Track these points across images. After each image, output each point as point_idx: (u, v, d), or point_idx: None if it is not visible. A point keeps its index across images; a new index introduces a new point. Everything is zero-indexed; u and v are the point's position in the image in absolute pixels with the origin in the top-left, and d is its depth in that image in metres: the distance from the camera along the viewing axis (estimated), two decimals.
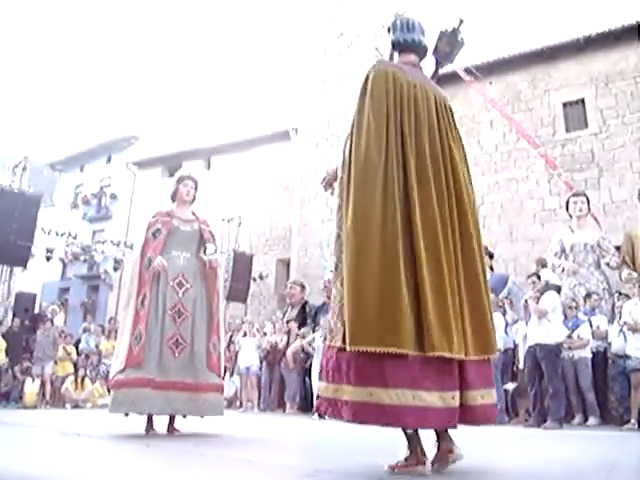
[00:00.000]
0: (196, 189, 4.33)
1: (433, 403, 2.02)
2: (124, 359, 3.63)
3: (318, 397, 2.22)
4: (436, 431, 2.21)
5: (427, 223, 2.17)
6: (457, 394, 2.09)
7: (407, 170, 2.22)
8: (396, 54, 2.58)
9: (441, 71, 2.71)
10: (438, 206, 2.22)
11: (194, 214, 4.28)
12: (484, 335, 2.21)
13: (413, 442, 2.14)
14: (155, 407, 3.60)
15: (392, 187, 2.17)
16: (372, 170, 2.19)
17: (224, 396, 8.71)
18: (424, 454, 2.12)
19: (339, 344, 2.12)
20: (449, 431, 2.21)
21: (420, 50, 2.55)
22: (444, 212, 2.23)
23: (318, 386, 2.26)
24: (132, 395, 3.55)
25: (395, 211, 2.14)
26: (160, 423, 3.78)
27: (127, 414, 3.69)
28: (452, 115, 2.53)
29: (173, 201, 4.26)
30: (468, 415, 2.15)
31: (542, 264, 6.75)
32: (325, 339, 2.42)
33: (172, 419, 3.79)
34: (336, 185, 2.43)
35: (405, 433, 2.14)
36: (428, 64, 2.63)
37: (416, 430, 2.14)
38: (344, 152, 2.35)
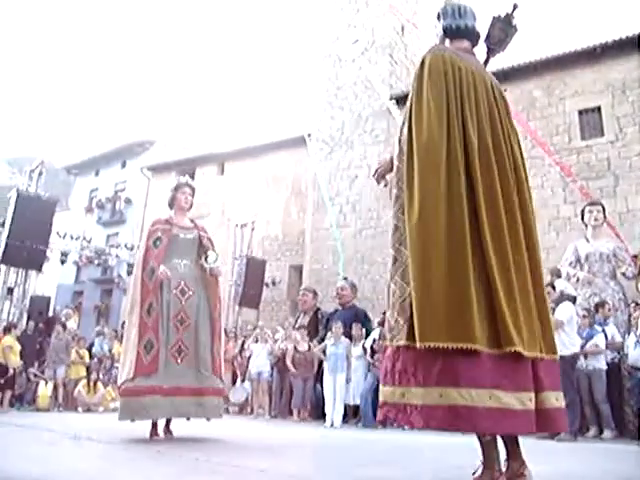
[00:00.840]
0: (193, 195, 4.38)
1: (511, 405, 1.88)
2: (133, 367, 3.69)
3: (384, 404, 2.04)
4: (506, 447, 2.04)
5: (493, 215, 2.07)
6: (533, 396, 1.96)
7: (470, 156, 2.13)
8: (447, 41, 2.48)
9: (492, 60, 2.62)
10: (503, 195, 2.12)
11: (192, 221, 4.37)
12: (550, 335, 2.11)
13: (489, 454, 1.99)
14: (164, 413, 3.72)
15: (456, 174, 2.07)
16: (436, 156, 2.09)
17: (236, 402, 8.75)
18: (500, 471, 1.96)
19: (402, 342, 1.99)
20: (521, 448, 2.04)
21: (473, 36, 2.47)
22: (509, 202, 2.13)
23: (382, 391, 2.08)
24: (143, 403, 3.62)
25: (462, 200, 2.04)
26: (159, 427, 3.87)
27: (134, 419, 3.72)
28: (507, 105, 2.45)
29: (171, 208, 4.31)
30: (544, 419, 1.98)
31: (557, 274, 6.68)
32: (381, 339, 2.37)
33: (169, 422, 3.93)
34: (389, 177, 2.35)
35: (480, 441, 1.99)
36: (479, 52, 2.54)
37: (494, 438, 1.99)
38: (400, 140, 2.26)
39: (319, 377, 7.41)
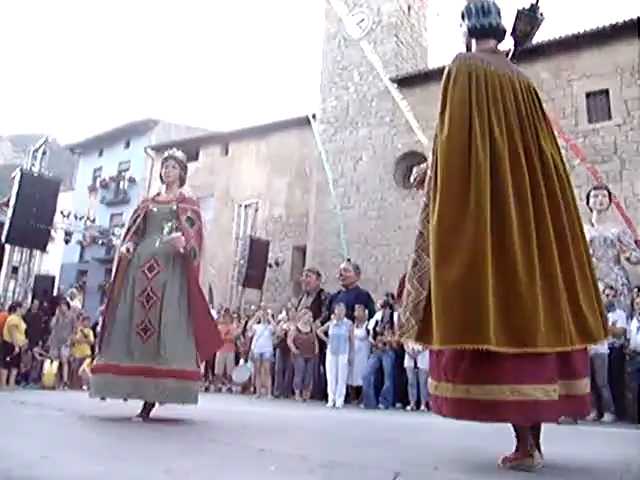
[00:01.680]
0: (181, 168, 4.13)
1: (535, 396, 2.00)
2: (98, 345, 3.78)
3: (429, 394, 2.39)
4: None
5: (521, 217, 2.12)
6: (557, 387, 2.07)
7: (497, 162, 2.18)
8: (474, 41, 2.49)
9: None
10: (532, 199, 2.17)
11: (180, 194, 4.06)
12: (587, 320, 2.15)
13: (522, 435, 2.15)
14: (125, 392, 3.59)
15: (480, 183, 2.12)
16: (456, 165, 2.17)
17: (239, 381, 8.79)
18: (532, 447, 2.13)
19: (411, 341, 2.23)
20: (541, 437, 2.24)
21: (499, 34, 2.47)
22: (540, 206, 2.18)
23: (429, 383, 2.33)
24: (103, 380, 3.62)
25: (485, 203, 2.09)
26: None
27: (103, 398, 3.70)
28: (539, 99, 2.46)
29: (163, 183, 4.14)
30: (574, 405, 2.16)
31: None
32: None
33: (148, 407, 3.69)
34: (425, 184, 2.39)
35: (514, 426, 2.16)
36: (506, 44, 2.53)
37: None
38: (434, 151, 2.30)
39: (322, 358, 7.46)
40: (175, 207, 3.92)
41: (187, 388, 3.70)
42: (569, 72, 13.07)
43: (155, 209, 3.96)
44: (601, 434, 4.24)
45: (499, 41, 2.48)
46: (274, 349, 8.41)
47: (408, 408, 6.37)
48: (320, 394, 7.37)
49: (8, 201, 11.43)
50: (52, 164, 13.13)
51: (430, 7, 16.69)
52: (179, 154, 4.17)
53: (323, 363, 7.34)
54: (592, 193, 6.80)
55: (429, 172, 2.32)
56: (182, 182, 4.15)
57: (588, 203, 6.83)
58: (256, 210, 16.40)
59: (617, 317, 5.95)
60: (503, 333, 2.00)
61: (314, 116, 16.36)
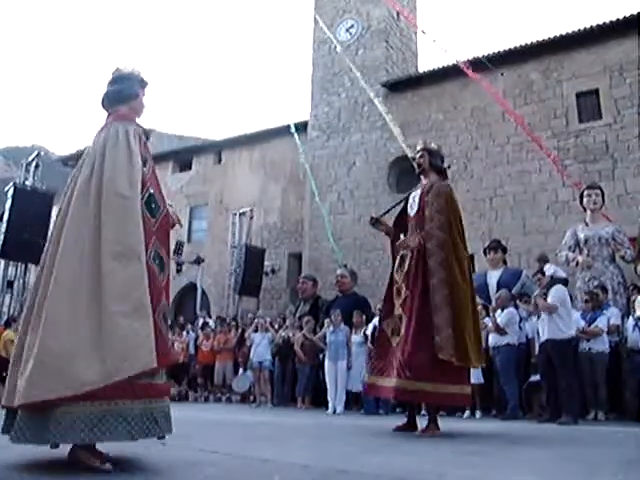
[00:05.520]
0: None
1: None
2: None
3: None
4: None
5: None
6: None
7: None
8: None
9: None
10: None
11: None
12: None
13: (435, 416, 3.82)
14: None
15: (466, 265, 4.05)
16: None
17: (239, 391, 8.70)
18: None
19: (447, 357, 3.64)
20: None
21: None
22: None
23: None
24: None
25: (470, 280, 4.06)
26: None
27: None
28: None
29: None
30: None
31: (544, 260, 6.68)
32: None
33: None
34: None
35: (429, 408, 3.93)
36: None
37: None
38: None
39: (320, 365, 7.45)
40: None
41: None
42: (559, 73, 13.13)
43: None
44: (602, 433, 4.25)
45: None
46: (273, 357, 8.39)
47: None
48: (318, 401, 7.36)
49: (2, 215, 11.39)
50: (45, 177, 13.10)
51: (416, 20, 16.81)
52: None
53: (322, 369, 7.33)
54: (585, 192, 6.86)
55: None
56: None
57: (582, 202, 6.88)
58: (251, 218, 16.40)
59: (611, 315, 5.98)
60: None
61: (305, 123, 16.37)
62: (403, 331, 3.78)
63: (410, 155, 8.49)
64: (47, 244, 2.57)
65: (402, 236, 4.25)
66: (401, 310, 3.88)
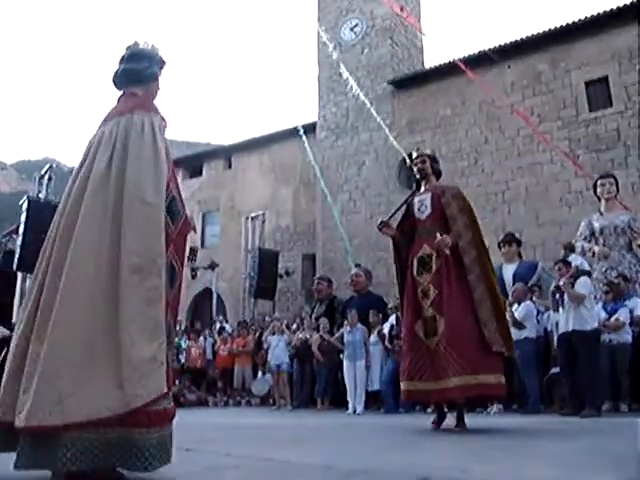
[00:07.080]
0: None
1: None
2: None
3: None
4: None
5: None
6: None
7: None
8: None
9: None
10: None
11: None
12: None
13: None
14: None
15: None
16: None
17: (258, 394, 8.72)
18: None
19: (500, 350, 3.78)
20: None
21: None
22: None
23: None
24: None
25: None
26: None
27: None
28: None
29: None
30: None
31: (570, 249, 6.61)
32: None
33: None
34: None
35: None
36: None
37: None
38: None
39: (339, 365, 7.44)
40: None
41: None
42: (566, 62, 13.03)
43: None
44: (625, 425, 4.20)
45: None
46: (290, 359, 8.39)
47: (429, 410, 6.33)
48: (337, 401, 7.35)
49: (17, 228, 11.49)
50: (58, 189, 13.20)
51: (420, 15, 16.76)
52: None
53: (339, 370, 7.32)
54: (599, 182, 6.77)
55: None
56: None
57: (595, 192, 6.80)
58: (263, 221, 16.44)
59: (633, 305, 5.91)
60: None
61: (305, 129, 16.28)
62: (442, 329, 3.73)
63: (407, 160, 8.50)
64: (46, 242, 2.31)
65: (403, 240, 4.24)
66: (432, 310, 3.84)
